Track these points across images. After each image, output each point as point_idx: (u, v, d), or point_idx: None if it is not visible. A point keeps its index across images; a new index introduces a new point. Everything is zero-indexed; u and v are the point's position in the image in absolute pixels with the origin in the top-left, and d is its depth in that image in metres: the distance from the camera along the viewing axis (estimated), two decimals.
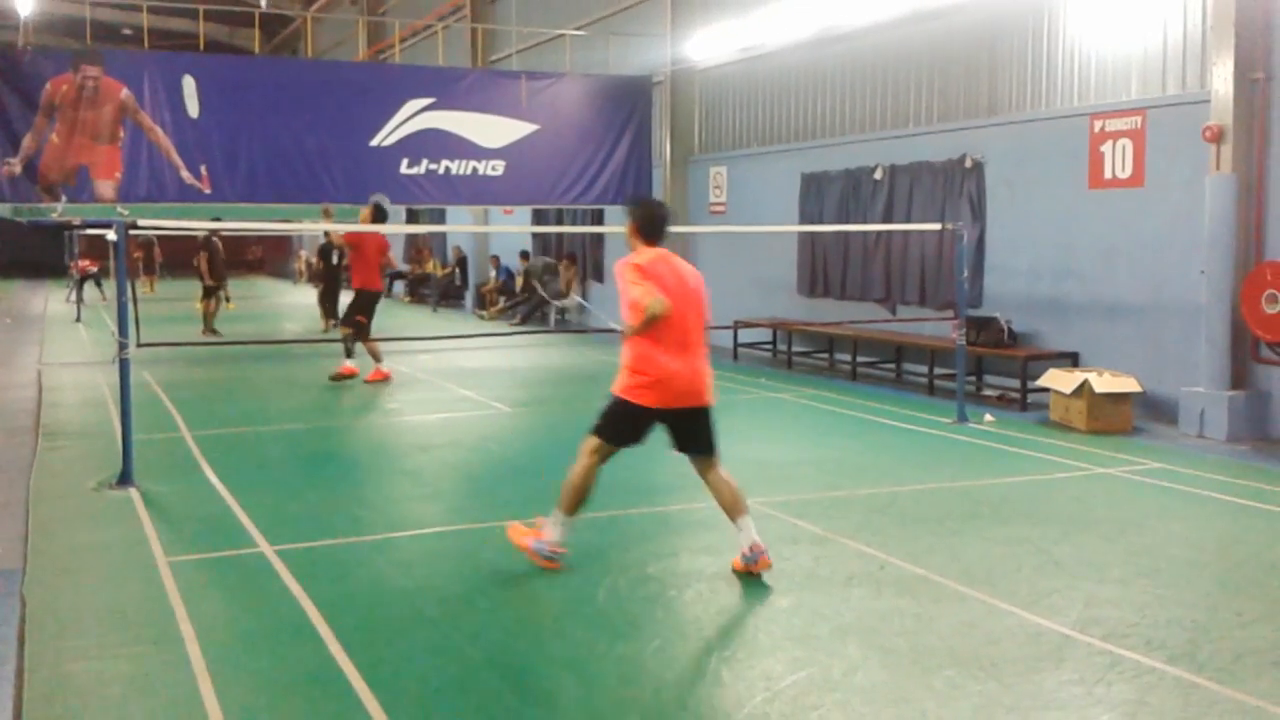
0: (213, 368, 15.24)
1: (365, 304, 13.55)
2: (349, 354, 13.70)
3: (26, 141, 15.08)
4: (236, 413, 11.76)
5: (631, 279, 5.78)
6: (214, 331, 19.57)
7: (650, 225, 6.08)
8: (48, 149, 15.21)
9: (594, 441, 6.00)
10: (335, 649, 4.93)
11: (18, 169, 15.07)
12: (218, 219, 18.75)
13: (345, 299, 14.56)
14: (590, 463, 5.98)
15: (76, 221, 24.23)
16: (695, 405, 6.00)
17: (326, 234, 21.46)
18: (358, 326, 13.46)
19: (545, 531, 6.03)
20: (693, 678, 4.63)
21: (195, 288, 27.85)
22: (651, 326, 5.73)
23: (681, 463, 9.06)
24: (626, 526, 7.10)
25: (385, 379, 13.51)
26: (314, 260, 21.94)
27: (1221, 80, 10.06)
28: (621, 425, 5.97)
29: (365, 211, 14.09)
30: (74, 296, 26.04)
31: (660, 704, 4.40)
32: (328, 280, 21.46)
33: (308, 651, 4.93)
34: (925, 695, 4.44)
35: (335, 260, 21.31)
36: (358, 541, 6.74)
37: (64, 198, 15.47)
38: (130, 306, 8.14)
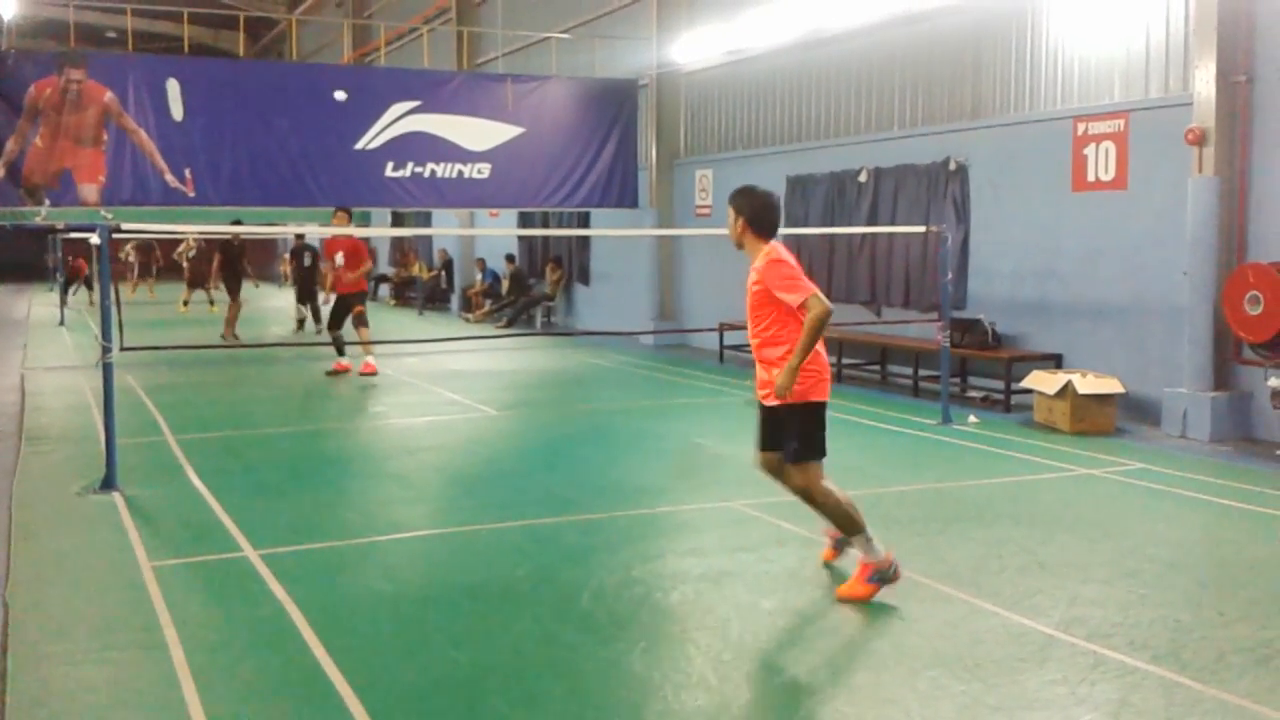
0: (197, 371, 15.19)
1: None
2: (340, 351, 14.50)
3: (9, 145, 15.01)
4: (221, 416, 11.73)
5: (785, 278, 5.43)
6: (235, 336, 19.36)
7: (768, 219, 5.67)
8: (31, 152, 15.15)
9: (810, 467, 5.59)
10: (320, 653, 4.92)
11: (1, 173, 15.00)
12: (238, 222, 18.75)
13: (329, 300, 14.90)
14: (825, 485, 5.60)
15: (60, 226, 24.16)
16: None
17: (298, 236, 21.50)
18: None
19: (867, 560, 5.58)
20: (678, 679, 4.64)
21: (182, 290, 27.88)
22: (797, 325, 5.43)
23: (666, 465, 9.11)
24: (612, 528, 7.10)
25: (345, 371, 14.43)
26: (287, 263, 22.06)
27: (1204, 83, 10.12)
28: (823, 429, 5.62)
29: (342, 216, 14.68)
30: (72, 295, 26.21)
31: (646, 706, 4.40)
32: (300, 282, 21.47)
33: (292, 656, 4.92)
34: (909, 696, 4.45)
35: (307, 263, 21.35)
36: (343, 545, 6.73)
37: (48, 201, 15.40)
38: (114, 310, 8.11)
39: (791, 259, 5.61)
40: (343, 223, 14.72)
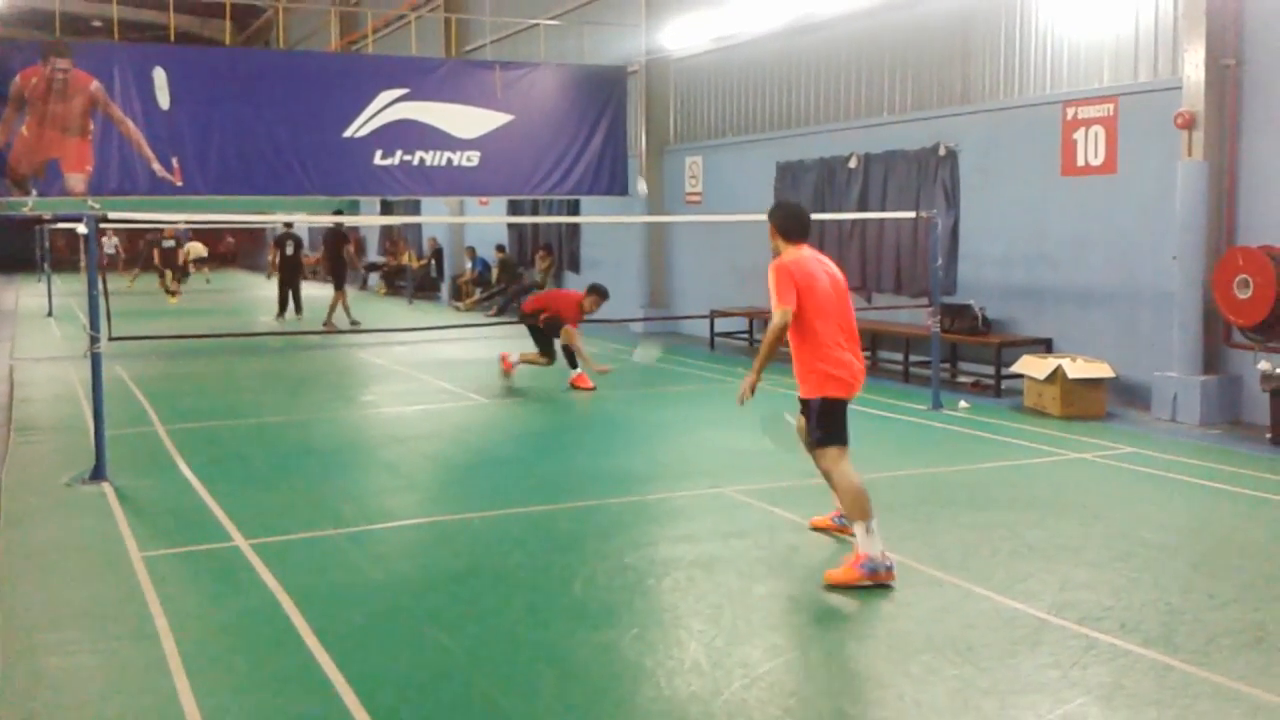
0: (186, 361, 15.14)
1: None
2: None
3: None
4: (211, 406, 11.68)
5: (778, 284, 5.86)
6: (336, 325, 19.05)
7: (792, 225, 6.14)
8: (17, 142, 15.06)
9: (834, 451, 5.89)
10: (312, 642, 4.90)
11: None
12: (339, 211, 18.63)
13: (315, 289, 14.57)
14: (846, 467, 5.86)
15: (47, 216, 24.05)
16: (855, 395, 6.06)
17: (286, 224, 21.42)
18: None
19: (863, 550, 5.64)
20: (671, 665, 4.64)
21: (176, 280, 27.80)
22: (802, 324, 5.83)
23: (658, 452, 9.11)
24: (604, 516, 7.10)
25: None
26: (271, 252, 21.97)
27: (1193, 67, 10.12)
28: (838, 421, 5.93)
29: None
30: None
31: (638, 692, 4.40)
32: (283, 271, 21.43)
33: (284, 645, 4.91)
34: (902, 680, 4.45)
35: (290, 251, 21.30)
36: (334, 534, 6.71)
37: (34, 191, 15.32)
38: (101, 300, 8.06)
39: (805, 268, 5.91)
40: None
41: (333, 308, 19.82)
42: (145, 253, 33.65)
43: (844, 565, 5.68)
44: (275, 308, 21.56)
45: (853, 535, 5.89)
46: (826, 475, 5.99)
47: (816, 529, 6.60)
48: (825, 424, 5.91)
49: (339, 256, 20.30)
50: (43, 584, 5.82)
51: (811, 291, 5.85)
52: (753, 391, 6.01)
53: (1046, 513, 6.98)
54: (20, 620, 5.24)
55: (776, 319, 5.79)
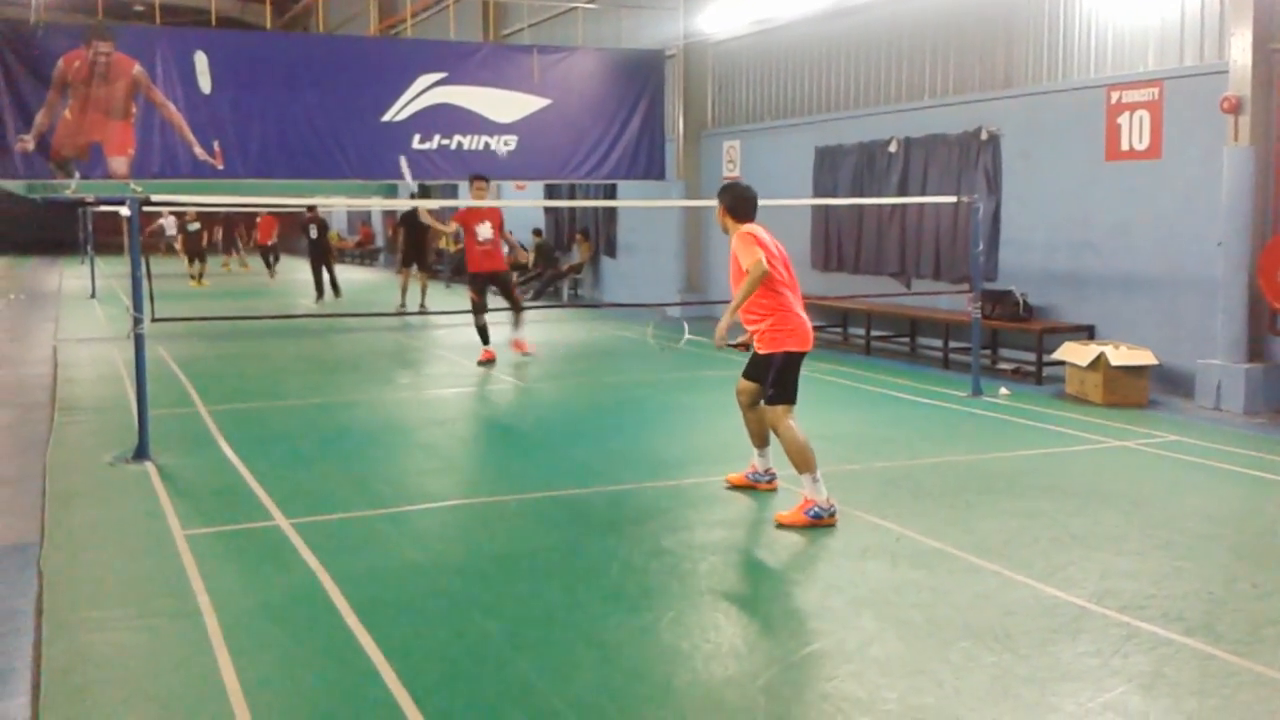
0: (227, 343, 15.27)
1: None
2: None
3: (39, 118, 15.07)
4: (252, 388, 11.79)
5: (747, 245, 6.51)
6: (404, 307, 19.18)
7: (741, 206, 6.80)
8: (61, 125, 15.21)
9: (780, 409, 6.53)
10: (352, 621, 4.94)
11: (31, 145, 15.07)
12: (414, 195, 18.70)
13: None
14: (790, 424, 6.46)
15: (90, 199, 24.31)
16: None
17: (309, 208, 21.51)
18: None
19: (810, 497, 6.38)
20: (708, 649, 4.64)
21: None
22: (770, 286, 6.49)
23: (694, 436, 9.10)
24: (640, 500, 7.10)
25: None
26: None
27: (1240, 50, 9.96)
28: (791, 378, 6.55)
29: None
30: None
31: (675, 675, 4.40)
32: (313, 253, 21.58)
33: (324, 624, 4.95)
34: (941, 667, 4.43)
35: (315, 235, 21.42)
36: (373, 515, 6.76)
37: (77, 174, 15.48)
38: (145, 282, 8.14)
39: (766, 238, 6.61)
40: (483, 193, 13.07)
41: (405, 289, 19.81)
42: (227, 235, 33.99)
43: (794, 510, 6.40)
44: (314, 292, 21.72)
45: (772, 489, 7.04)
46: (772, 428, 6.60)
47: (734, 486, 7.23)
48: (781, 381, 6.51)
49: (416, 238, 20.01)
50: (86, 562, 5.89)
51: (773, 257, 6.54)
52: (724, 336, 6.54)
53: (1088, 501, 6.92)
54: (64, 597, 5.31)
55: (756, 269, 6.35)
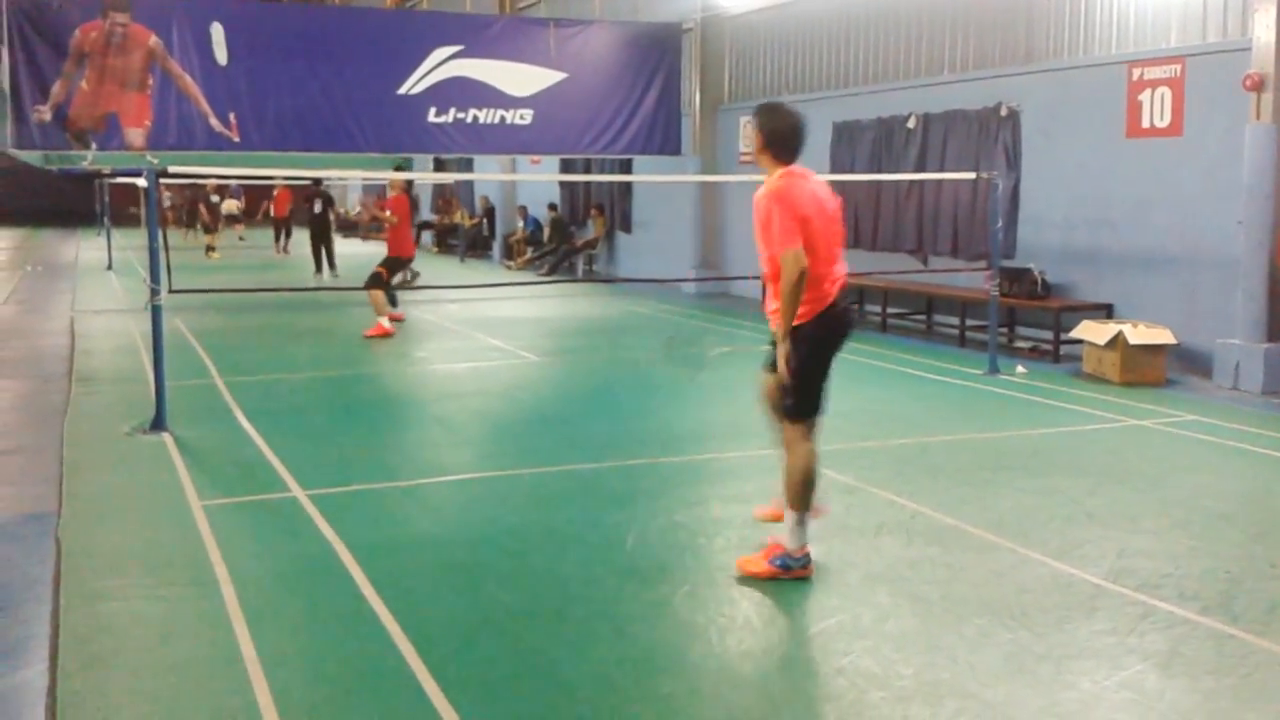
0: (244, 315, 15.31)
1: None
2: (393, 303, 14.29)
3: (56, 88, 15.06)
4: (268, 359, 11.82)
5: (784, 219, 4.95)
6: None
7: (783, 139, 5.15)
8: (77, 96, 15.20)
9: (800, 427, 5.19)
10: (368, 592, 4.96)
11: (47, 116, 15.08)
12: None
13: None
14: (809, 448, 5.19)
15: (106, 170, 24.34)
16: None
17: (314, 181, 21.52)
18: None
19: (781, 541, 5.17)
20: (723, 623, 4.64)
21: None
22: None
23: (709, 412, 9.09)
24: (655, 474, 7.11)
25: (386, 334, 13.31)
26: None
27: (1264, 28, 9.84)
28: (815, 379, 5.22)
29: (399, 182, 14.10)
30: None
31: (690, 649, 4.41)
32: (313, 227, 21.60)
33: (341, 594, 4.97)
34: (956, 643, 4.43)
35: (319, 209, 21.41)
36: (389, 487, 6.77)
37: (94, 145, 15.49)
38: (162, 253, 8.15)
39: (805, 199, 5.05)
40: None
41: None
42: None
43: (756, 555, 5.18)
44: (312, 266, 21.77)
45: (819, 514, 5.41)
46: (785, 448, 5.22)
47: (764, 520, 5.71)
48: (801, 384, 5.10)
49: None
50: (104, 531, 5.92)
51: (808, 224, 4.99)
52: (789, 361, 5.05)
53: (1104, 479, 6.89)
54: (82, 567, 5.34)
55: (792, 268, 4.86)
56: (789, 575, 5.10)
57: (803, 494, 5.12)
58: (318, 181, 21.83)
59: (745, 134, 18.23)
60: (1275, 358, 9.89)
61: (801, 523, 5.12)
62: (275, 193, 29.22)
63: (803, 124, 5.23)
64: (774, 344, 5.15)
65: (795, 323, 5.02)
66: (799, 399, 5.14)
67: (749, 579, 5.12)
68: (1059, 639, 4.47)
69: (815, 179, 5.30)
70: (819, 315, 5.08)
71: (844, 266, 5.30)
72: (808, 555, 5.14)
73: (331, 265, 21.69)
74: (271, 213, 28.61)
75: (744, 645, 4.42)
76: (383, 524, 6.04)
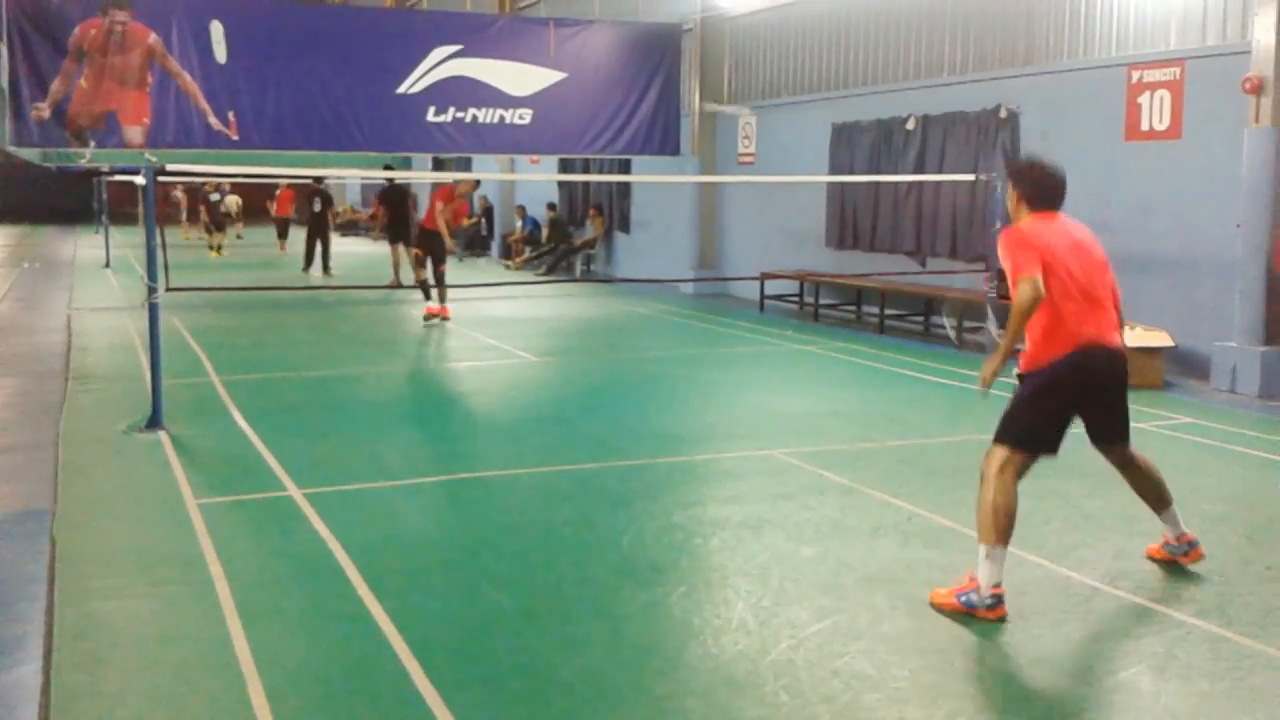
0: (240, 314, 15.30)
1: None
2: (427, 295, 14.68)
3: (55, 86, 15.05)
4: (265, 358, 11.82)
5: (1016, 251, 4.88)
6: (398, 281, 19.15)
7: (1041, 194, 5.18)
8: (76, 94, 15.19)
9: (1002, 451, 5.03)
10: (364, 591, 4.95)
11: (46, 113, 15.07)
12: (389, 166, 18.68)
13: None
14: (1006, 480, 4.98)
15: (105, 168, 24.32)
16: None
17: (315, 180, 21.51)
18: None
19: (975, 576, 4.81)
20: (718, 624, 4.64)
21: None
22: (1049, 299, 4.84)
23: (706, 412, 9.09)
24: (651, 475, 7.10)
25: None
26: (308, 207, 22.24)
27: (1263, 31, 9.85)
28: (1033, 414, 5.08)
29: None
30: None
31: (685, 650, 4.40)
32: (311, 225, 21.61)
33: (336, 593, 4.96)
34: (952, 646, 4.42)
35: (318, 208, 21.40)
36: (385, 486, 6.77)
37: (93, 143, 15.48)
38: (159, 251, 8.14)
39: (1051, 233, 4.98)
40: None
41: (397, 265, 19.62)
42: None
43: (948, 589, 4.89)
44: (303, 262, 21.79)
45: (1194, 559, 5.28)
46: (982, 474, 4.99)
47: (1153, 559, 5.48)
48: (1020, 412, 4.99)
49: (400, 215, 20.01)
50: (99, 529, 5.91)
51: (1053, 263, 4.86)
52: (994, 377, 4.99)
53: (1101, 482, 6.87)
54: (77, 564, 5.33)
55: (1025, 294, 4.73)
56: (974, 614, 4.69)
57: (993, 524, 4.79)
58: (318, 180, 21.82)
59: (744, 134, 18.23)
60: (1272, 361, 9.89)
61: (991, 557, 4.74)
62: (278, 191, 29.17)
63: (1061, 176, 5.29)
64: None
65: (1047, 359, 4.91)
66: (1014, 421, 4.99)
67: (936, 608, 4.82)
68: (1055, 642, 4.47)
69: (1075, 224, 5.24)
70: (1069, 355, 4.90)
71: (1113, 318, 5.16)
72: (998, 597, 4.70)
73: (326, 267, 21.65)
74: (274, 211, 28.53)
75: (740, 646, 4.42)
76: (378, 523, 6.03)
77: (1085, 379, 4.98)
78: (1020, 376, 5.05)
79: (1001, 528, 4.78)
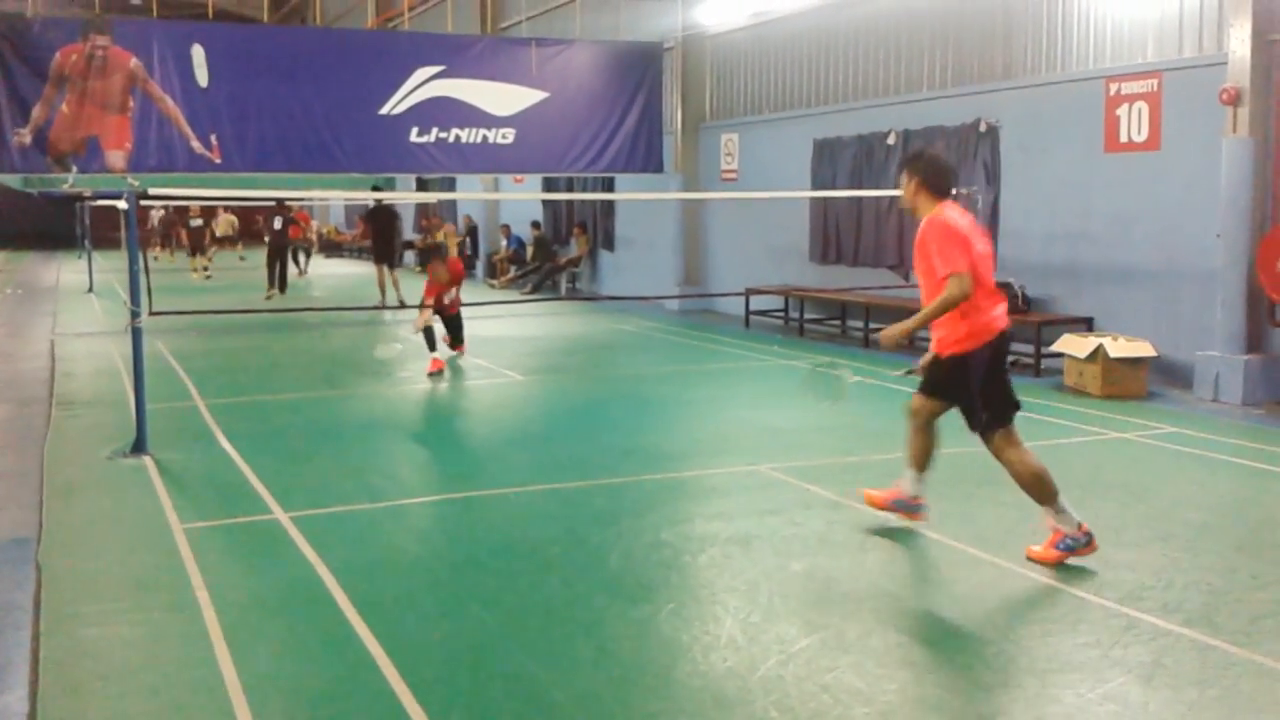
0: (225, 337, 15.26)
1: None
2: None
3: (36, 112, 15.02)
4: (249, 381, 11.78)
5: (947, 245, 5.45)
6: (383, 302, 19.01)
7: (938, 180, 5.74)
8: (57, 119, 15.16)
9: (998, 436, 5.60)
10: (351, 614, 4.94)
11: (28, 139, 15.03)
12: (378, 187, 18.59)
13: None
14: (1018, 450, 5.61)
15: (87, 193, 24.25)
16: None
17: (279, 202, 21.47)
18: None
19: (1058, 527, 5.50)
20: (707, 641, 4.63)
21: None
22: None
23: (692, 429, 9.09)
24: (639, 492, 7.10)
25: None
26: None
27: (1239, 42, 9.95)
28: (999, 388, 5.66)
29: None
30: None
31: (675, 667, 4.40)
32: (270, 245, 21.58)
33: (323, 617, 4.94)
34: (940, 658, 4.43)
35: (278, 227, 21.36)
36: (372, 508, 6.75)
37: (75, 168, 15.44)
38: (141, 276, 8.12)
39: (964, 228, 5.55)
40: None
41: (383, 285, 19.53)
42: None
43: (1044, 544, 5.54)
44: (265, 286, 21.65)
45: (914, 520, 6.06)
46: (1000, 460, 5.60)
47: (872, 505, 6.25)
48: (990, 396, 5.51)
49: (386, 236, 19.72)
50: (84, 555, 5.88)
51: (975, 259, 5.47)
52: (903, 337, 5.67)
53: (1086, 493, 6.91)
54: (62, 591, 5.30)
55: (957, 287, 5.32)
56: (1076, 555, 5.46)
57: (1042, 487, 5.48)
58: (281, 201, 21.76)
59: (726, 150, 18.29)
60: (1255, 369, 9.96)
61: (1060, 510, 5.45)
62: (293, 214, 28.92)
63: (950, 165, 5.79)
64: (932, 366, 5.76)
65: (965, 349, 5.52)
66: (988, 414, 5.56)
67: (1037, 563, 5.49)
68: (1043, 653, 4.48)
69: (962, 210, 5.79)
70: (987, 344, 5.53)
71: (1002, 300, 5.71)
72: (1088, 534, 5.46)
73: (282, 285, 21.63)
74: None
75: (728, 663, 4.42)
76: (365, 545, 6.01)
77: (1001, 358, 5.64)
78: (956, 359, 5.58)
79: (1050, 485, 5.45)
